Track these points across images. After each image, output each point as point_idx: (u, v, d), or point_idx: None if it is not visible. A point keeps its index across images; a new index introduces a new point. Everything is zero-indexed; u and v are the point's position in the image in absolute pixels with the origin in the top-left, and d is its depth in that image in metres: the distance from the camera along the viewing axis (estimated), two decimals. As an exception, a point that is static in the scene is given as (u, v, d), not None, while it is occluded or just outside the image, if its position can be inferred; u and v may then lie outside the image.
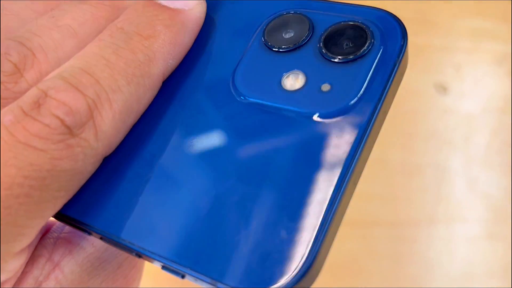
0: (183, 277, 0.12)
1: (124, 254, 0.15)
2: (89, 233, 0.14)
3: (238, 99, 0.14)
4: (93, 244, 0.15)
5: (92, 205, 0.13)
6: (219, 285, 0.12)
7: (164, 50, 0.14)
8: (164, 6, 0.14)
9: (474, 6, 0.38)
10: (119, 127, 0.13)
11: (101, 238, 0.13)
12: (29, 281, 0.13)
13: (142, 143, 0.14)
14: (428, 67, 0.36)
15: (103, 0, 0.15)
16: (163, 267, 0.13)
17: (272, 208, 0.12)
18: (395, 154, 0.34)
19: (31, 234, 0.12)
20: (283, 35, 0.14)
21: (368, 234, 0.32)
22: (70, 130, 0.12)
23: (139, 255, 0.13)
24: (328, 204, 0.12)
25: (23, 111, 0.12)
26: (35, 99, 0.12)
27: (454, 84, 0.36)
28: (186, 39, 0.15)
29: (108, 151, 0.13)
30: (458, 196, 0.33)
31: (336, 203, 0.12)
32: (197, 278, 0.12)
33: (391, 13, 0.13)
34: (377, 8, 0.14)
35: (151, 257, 0.13)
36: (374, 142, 0.13)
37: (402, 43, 0.13)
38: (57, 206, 0.13)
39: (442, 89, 0.36)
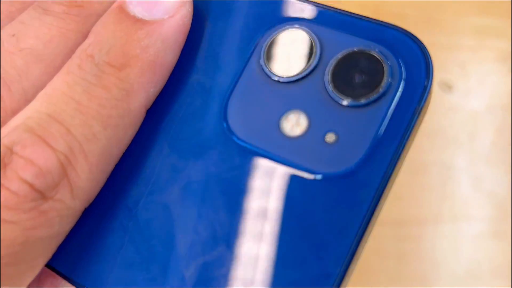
0: None
1: None
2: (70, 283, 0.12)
3: (230, 139, 0.12)
4: None
5: (73, 258, 0.12)
6: None
7: (144, 79, 0.12)
8: (139, 20, 0.12)
9: (478, 4, 0.38)
10: (97, 179, 0.12)
11: None
12: None
13: (123, 188, 0.12)
14: (433, 65, 0.36)
15: (70, 7, 0.13)
16: None
17: (266, 277, 0.11)
18: (399, 152, 0.34)
19: None
20: (286, 58, 0.12)
21: (373, 233, 0.32)
22: (42, 195, 0.11)
23: None
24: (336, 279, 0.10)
25: None
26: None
27: (459, 82, 0.36)
28: (169, 57, 0.12)
29: (87, 204, 0.12)
30: (463, 194, 0.33)
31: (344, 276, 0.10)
32: None
33: (416, 38, 0.11)
34: (398, 28, 0.11)
35: None
36: (385, 200, 0.11)
37: (426, 83, 0.11)
38: (36, 271, 0.11)
39: (447, 87, 0.36)
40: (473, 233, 0.32)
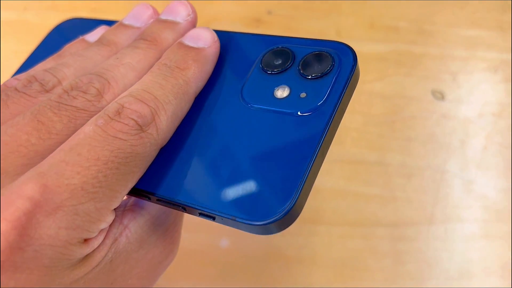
0: (214, 219, 0.18)
1: (170, 220, 0.21)
2: (149, 199, 0.19)
3: (246, 105, 0.20)
4: (149, 213, 0.20)
5: (151, 179, 0.19)
6: (238, 219, 0.17)
7: (195, 76, 0.20)
8: (191, 47, 0.21)
9: (469, 16, 0.40)
10: (170, 127, 0.19)
11: (157, 201, 0.19)
12: (110, 236, 0.18)
13: (181, 136, 0.20)
14: (426, 75, 0.38)
15: (150, 45, 0.21)
16: (200, 214, 0.18)
17: (270, 166, 0.18)
18: (395, 157, 0.35)
19: (120, 197, 0.18)
20: (274, 62, 0.20)
21: (370, 234, 0.33)
22: (141, 127, 0.18)
23: (184, 209, 0.18)
24: (308, 161, 0.17)
25: (109, 116, 0.18)
26: (116, 109, 0.18)
27: (451, 90, 0.37)
28: (208, 67, 0.21)
29: (164, 143, 0.19)
30: (455, 197, 0.34)
31: (313, 160, 0.17)
32: (222, 217, 0.17)
33: (347, 44, 0.20)
34: (338, 41, 0.20)
35: (192, 207, 0.18)
36: (337, 126, 0.19)
37: (353, 63, 0.19)
38: (134, 178, 0.18)
39: (440, 95, 0.37)
40: (465, 234, 0.33)
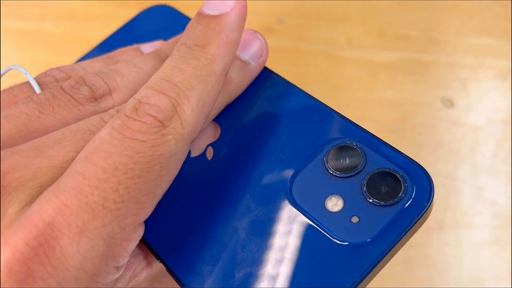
0: None
1: None
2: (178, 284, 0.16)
3: (291, 202, 0.17)
4: None
5: (190, 269, 0.16)
6: None
7: (220, 51, 0.17)
8: (212, 16, 0.18)
9: (478, 25, 0.40)
10: (198, 115, 0.16)
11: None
12: (130, 271, 0.17)
13: (217, 210, 0.17)
14: (436, 83, 0.38)
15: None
16: None
17: None
18: (405, 164, 0.35)
19: (149, 207, 0.15)
20: (341, 161, 0.17)
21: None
22: (161, 123, 0.15)
23: None
24: None
25: (126, 115, 0.15)
26: (132, 105, 0.16)
27: (461, 98, 0.37)
28: (234, 35, 0.18)
29: (194, 135, 0.16)
30: (465, 204, 0.34)
31: None
32: None
33: (427, 173, 0.16)
34: (417, 164, 0.16)
35: None
36: (380, 269, 0.15)
37: (425, 204, 0.15)
38: (164, 183, 0.16)
39: (449, 103, 0.37)
40: (475, 240, 0.33)
